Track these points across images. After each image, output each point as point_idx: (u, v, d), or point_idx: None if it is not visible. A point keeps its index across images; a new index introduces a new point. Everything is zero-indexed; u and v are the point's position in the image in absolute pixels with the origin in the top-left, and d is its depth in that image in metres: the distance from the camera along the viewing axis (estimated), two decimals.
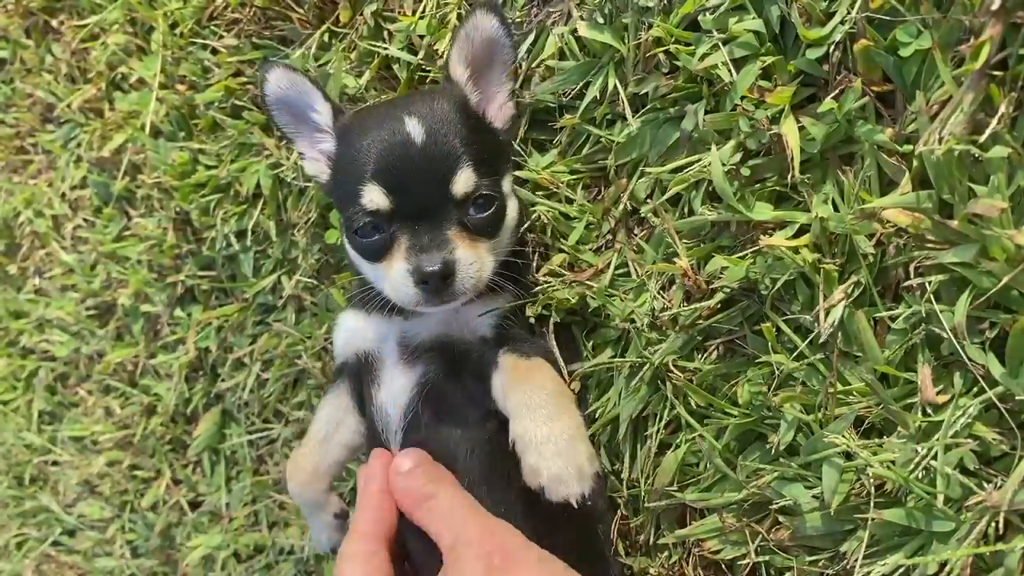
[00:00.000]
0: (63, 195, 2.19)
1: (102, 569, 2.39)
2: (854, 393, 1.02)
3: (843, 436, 1.01)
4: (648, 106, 1.17)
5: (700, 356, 1.17)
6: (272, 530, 1.98)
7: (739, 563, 1.15)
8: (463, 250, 1.15)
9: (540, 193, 1.30)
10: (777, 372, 1.07)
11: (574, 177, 1.29)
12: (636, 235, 1.24)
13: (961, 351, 0.92)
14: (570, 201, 1.28)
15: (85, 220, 2.17)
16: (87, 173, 2.11)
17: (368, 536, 1.15)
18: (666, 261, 1.17)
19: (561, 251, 1.29)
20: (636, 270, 1.22)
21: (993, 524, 0.92)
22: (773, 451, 1.09)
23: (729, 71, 1.06)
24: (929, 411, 0.96)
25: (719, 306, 1.12)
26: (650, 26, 1.13)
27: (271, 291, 1.82)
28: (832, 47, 0.99)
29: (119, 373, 2.22)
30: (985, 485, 0.93)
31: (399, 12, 1.45)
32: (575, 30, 1.22)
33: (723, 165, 1.07)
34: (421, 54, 1.41)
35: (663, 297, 1.18)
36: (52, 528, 2.53)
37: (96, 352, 2.26)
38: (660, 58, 1.15)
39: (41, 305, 2.34)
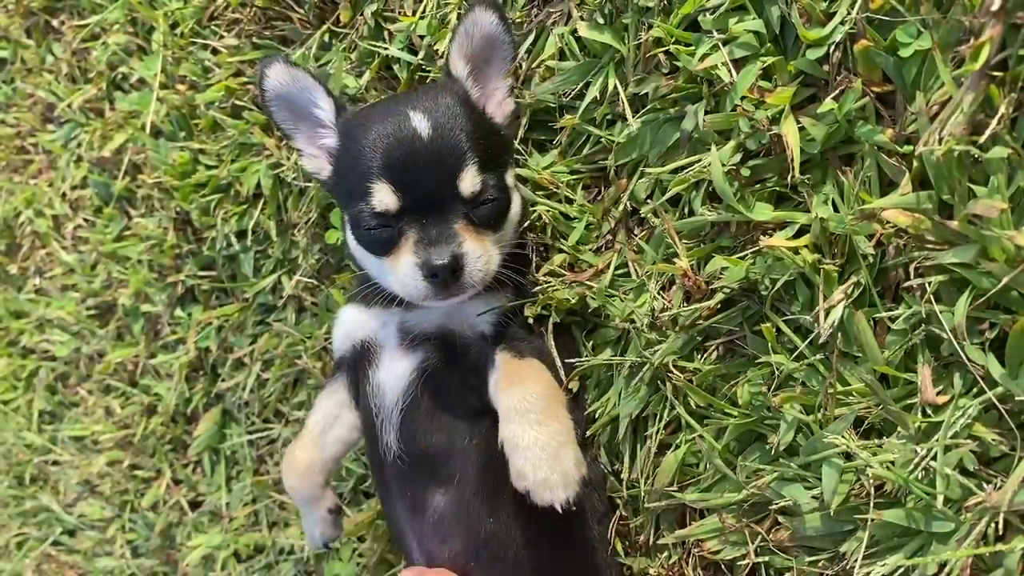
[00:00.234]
0: (64, 195, 2.19)
1: (102, 569, 2.39)
2: (854, 393, 1.02)
3: (843, 436, 1.01)
4: (648, 106, 1.17)
5: (700, 356, 1.17)
6: (272, 530, 1.98)
7: (739, 563, 1.15)
8: (470, 243, 1.15)
9: (540, 193, 1.30)
10: (777, 372, 1.07)
11: (574, 177, 1.29)
12: (636, 235, 1.24)
13: (961, 352, 0.92)
14: (570, 201, 1.29)
15: (85, 220, 2.17)
16: (88, 173, 2.11)
17: None
18: (666, 261, 1.17)
19: (561, 251, 1.29)
20: (636, 270, 1.22)
21: (993, 525, 0.92)
22: (773, 451, 1.09)
23: (729, 71, 1.06)
24: (929, 412, 0.96)
25: (719, 306, 1.12)
26: (650, 26, 1.14)
27: (271, 291, 1.82)
28: (832, 47, 0.99)
29: (119, 373, 2.22)
30: (985, 486, 0.93)
31: (399, 12, 1.45)
32: (575, 30, 1.23)
33: (723, 165, 1.07)
34: (421, 54, 1.41)
35: (663, 297, 1.18)
36: (52, 528, 2.53)
37: (96, 352, 2.26)
38: (660, 58, 1.15)
39: (42, 305, 2.34)
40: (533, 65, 1.30)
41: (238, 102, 1.72)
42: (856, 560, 1.01)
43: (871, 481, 1.00)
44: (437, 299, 1.17)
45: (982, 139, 0.87)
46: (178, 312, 2.00)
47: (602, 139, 1.22)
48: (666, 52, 1.13)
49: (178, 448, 2.16)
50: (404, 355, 1.29)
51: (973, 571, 0.94)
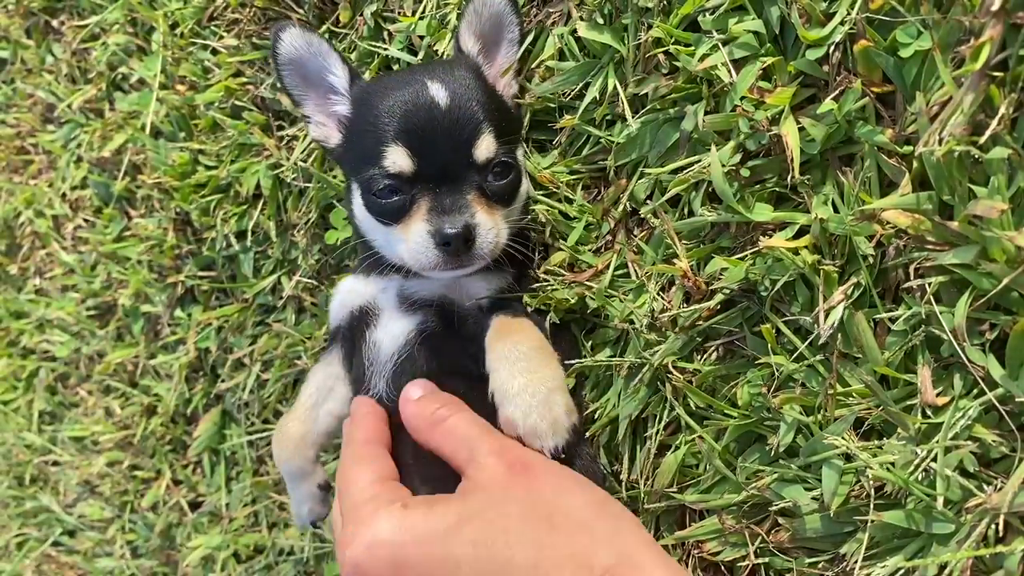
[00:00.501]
0: (63, 195, 2.19)
1: (102, 569, 2.39)
2: (854, 395, 1.02)
3: (843, 438, 1.01)
4: (648, 107, 1.16)
5: (700, 357, 1.17)
6: (272, 531, 1.98)
7: (739, 565, 1.15)
8: (482, 215, 1.16)
9: (540, 193, 1.30)
10: (777, 373, 1.07)
11: (574, 177, 1.28)
12: (636, 236, 1.23)
13: (961, 353, 0.92)
14: (570, 201, 1.28)
15: (85, 220, 2.17)
16: (87, 173, 2.11)
17: (369, 441, 1.17)
18: (666, 262, 1.17)
19: (560, 251, 1.29)
20: (636, 271, 1.22)
21: (993, 526, 0.91)
22: (773, 452, 1.08)
23: (729, 72, 1.06)
24: (929, 413, 0.96)
25: (719, 307, 1.12)
26: (650, 27, 1.13)
27: (271, 292, 1.82)
28: (832, 48, 0.99)
29: (119, 373, 2.22)
30: (985, 487, 0.92)
31: (399, 13, 1.45)
32: (575, 30, 1.22)
33: (723, 166, 1.06)
34: (421, 55, 1.41)
35: (663, 298, 1.18)
36: (52, 528, 2.53)
37: (96, 352, 2.26)
38: (660, 59, 1.15)
39: (42, 305, 2.34)
40: (533, 65, 1.30)
41: (238, 102, 1.72)
42: (856, 561, 1.01)
43: (871, 482, 0.99)
44: (447, 269, 1.17)
45: (982, 139, 0.86)
46: (178, 313, 2.00)
47: (602, 139, 1.22)
48: (666, 52, 1.13)
49: (178, 449, 2.16)
50: (403, 316, 1.29)
51: (973, 573, 0.94)
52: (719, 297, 1.11)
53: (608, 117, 1.22)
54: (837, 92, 0.99)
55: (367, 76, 1.47)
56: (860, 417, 1.01)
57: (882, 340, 1.00)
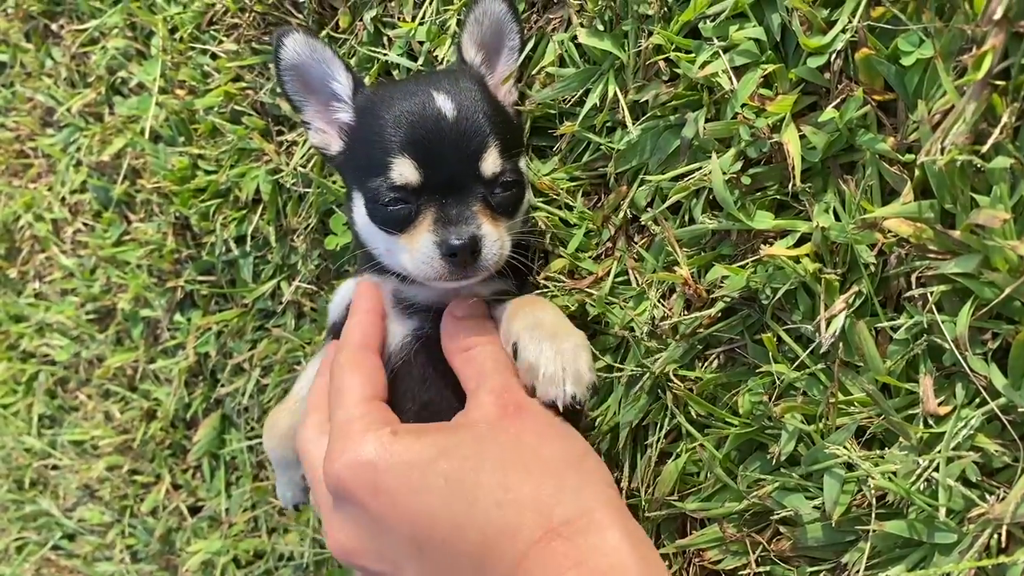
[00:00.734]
0: (63, 199, 2.19)
1: (102, 574, 2.39)
2: (855, 403, 1.01)
3: (844, 447, 1.01)
4: (648, 114, 1.16)
5: (701, 365, 1.16)
6: (272, 536, 1.97)
7: (740, 573, 1.14)
8: (488, 226, 1.17)
9: (540, 199, 1.30)
10: (778, 382, 1.06)
11: (574, 184, 1.28)
12: (636, 243, 1.23)
13: (963, 362, 0.91)
14: (570, 208, 1.28)
15: (85, 224, 2.17)
16: (87, 177, 2.11)
17: (361, 346, 1.20)
18: (666, 269, 1.17)
19: (560, 258, 1.29)
20: (636, 278, 1.22)
21: (995, 536, 0.91)
22: (774, 461, 1.08)
23: (730, 79, 1.05)
24: (931, 422, 0.96)
25: (720, 315, 1.12)
26: (650, 33, 1.13)
27: (271, 296, 1.82)
28: (833, 55, 0.99)
29: (119, 378, 2.22)
30: (987, 497, 0.92)
31: (399, 18, 1.45)
32: (575, 37, 1.22)
33: (724, 173, 1.06)
34: (421, 60, 1.40)
35: (663, 305, 1.17)
36: (52, 532, 2.53)
37: (96, 356, 2.26)
38: (660, 65, 1.14)
39: (41, 309, 2.34)
40: (533, 72, 1.30)
41: (237, 107, 1.72)
42: (858, 571, 1.01)
43: (873, 492, 0.99)
44: (452, 279, 1.18)
45: (984, 148, 0.86)
46: (177, 317, 2.00)
47: (602, 146, 1.22)
48: (666, 59, 1.13)
49: (178, 453, 2.15)
50: (399, 319, 1.29)
51: None
52: (720, 305, 1.10)
53: (608, 124, 1.22)
54: (838, 100, 0.99)
55: (367, 82, 1.47)
56: (862, 426, 1.01)
57: (884, 349, 0.99)
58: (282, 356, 1.80)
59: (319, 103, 1.32)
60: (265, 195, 1.69)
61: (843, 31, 0.97)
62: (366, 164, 1.22)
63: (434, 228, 1.16)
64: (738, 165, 1.07)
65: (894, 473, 0.97)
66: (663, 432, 1.19)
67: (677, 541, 1.19)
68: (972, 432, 0.92)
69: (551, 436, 1.07)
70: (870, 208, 0.97)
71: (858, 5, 0.95)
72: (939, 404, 0.94)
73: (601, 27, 1.18)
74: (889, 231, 0.94)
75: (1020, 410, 0.89)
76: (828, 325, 1.00)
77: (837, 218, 1.01)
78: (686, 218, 1.15)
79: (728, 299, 1.10)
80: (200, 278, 1.93)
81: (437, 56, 1.39)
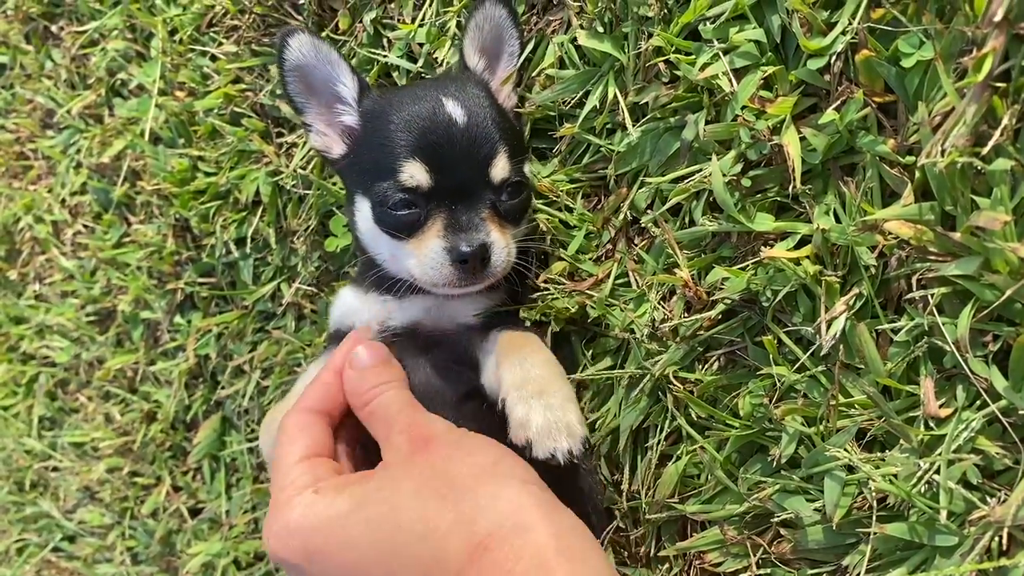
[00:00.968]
0: (63, 201, 2.19)
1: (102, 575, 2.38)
2: (856, 406, 1.01)
3: (845, 449, 1.00)
4: (648, 116, 1.16)
5: (701, 367, 1.16)
6: None
7: None
8: (496, 233, 1.17)
9: (540, 201, 1.30)
10: (778, 384, 1.06)
11: (574, 186, 1.28)
12: (636, 245, 1.23)
13: (964, 364, 0.91)
14: (570, 210, 1.28)
15: (85, 226, 2.17)
16: (87, 179, 2.11)
17: (308, 410, 1.17)
18: (666, 271, 1.17)
19: (561, 260, 1.29)
20: (636, 280, 1.21)
21: (996, 539, 0.91)
22: (774, 464, 1.08)
23: (730, 81, 1.05)
24: (932, 424, 0.95)
25: (720, 317, 1.12)
26: (650, 35, 1.13)
27: (271, 298, 1.82)
28: (833, 57, 0.99)
29: (119, 379, 2.21)
30: (988, 500, 0.92)
31: (398, 20, 1.45)
32: (575, 39, 1.22)
33: (724, 175, 1.06)
34: (420, 62, 1.40)
35: (663, 308, 1.17)
36: (52, 534, 2.53)
37: (96, 358, 2.26)
38: (660, 67, 1.14)
39: (41, 311, 2.34)
40: (533, 74, 1.30)
41: (237, 109, 1.72)
42: (859, 574, 1.01)
43: (873, 494, 0.99)
44: (460, 285, 1.18)
45: (985, 151, 0.86)
46: (178, 319, 2.00)
47: (602, 148, 1.22)
48: (666, 61, 1.13)
49: (178, 455, 2.15)
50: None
51: None
52: (720, 307, 1.10)
53: (608, 126, 1.22)
54: (839, 102, 0.99)
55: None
56: (862, 428, 1.01)
57: (884, 351, 0.99)
58: (282, 358, 1.79)
59: (322, 105, 1.31)
60: (265, 197, 1.69)
61: (843, 33, 0.97)
62: (373, 168, 1.22)
63: (444, 234, 1.15)
64: (738, 167, 1.07)
65: (895, 475, 0.97)
66: (663, 434, 1.19)
67: (678, 543, 1.19)
68: (973, 434, 0.92)
69: (460, 454, 1.05)
70: (870, 210, 0.97)
71: (858, 7, 0.95)
72: (940, 406, 0.94)
73: (601, 29, 1.18)
74: (890, 233, 0.94)
75: (1021, 412, 0.89)
76: (829, 327, 1.00)
77: (837, 220, 1.01)
78: (686, 220, 1.15)
79: (728, 301, 1.09)
80: (200, 280, 1.93)
81: (437, 58, 1.39)
